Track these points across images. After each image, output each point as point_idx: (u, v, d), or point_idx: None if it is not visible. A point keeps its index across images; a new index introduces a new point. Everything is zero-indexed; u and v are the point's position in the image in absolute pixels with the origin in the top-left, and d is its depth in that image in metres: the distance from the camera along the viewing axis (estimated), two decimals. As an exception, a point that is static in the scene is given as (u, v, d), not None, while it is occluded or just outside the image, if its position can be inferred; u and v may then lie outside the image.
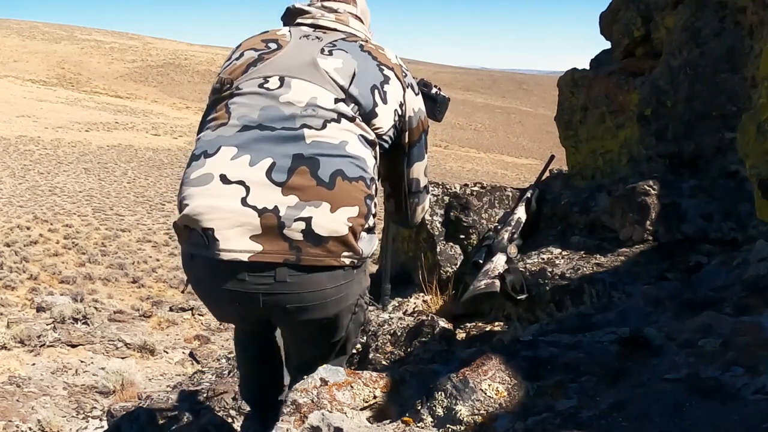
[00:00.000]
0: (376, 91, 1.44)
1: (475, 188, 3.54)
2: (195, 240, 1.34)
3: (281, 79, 1.40)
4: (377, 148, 1.46)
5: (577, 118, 3.76)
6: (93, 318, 7.72)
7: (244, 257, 1.28)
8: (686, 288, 1.97)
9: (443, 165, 58.00)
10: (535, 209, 3.25)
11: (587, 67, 3.89)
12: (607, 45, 3.82)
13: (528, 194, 3.27)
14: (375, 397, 1.70)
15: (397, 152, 1.58)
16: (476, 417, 1.18)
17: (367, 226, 1.37)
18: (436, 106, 1.91)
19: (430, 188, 3.28)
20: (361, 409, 1.64)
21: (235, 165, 1.31)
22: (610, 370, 1.24)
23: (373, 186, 1.40)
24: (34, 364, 5.88)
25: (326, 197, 1.29)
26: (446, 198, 3.51)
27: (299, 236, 1.27)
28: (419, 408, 1.33)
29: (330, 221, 1.28)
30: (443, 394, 1.27)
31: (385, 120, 1.47)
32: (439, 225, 3.45)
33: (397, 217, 1.77)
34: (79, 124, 53.25)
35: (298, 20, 1.60)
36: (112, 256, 17.01)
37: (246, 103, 1.39)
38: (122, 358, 6.40)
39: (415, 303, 3.18)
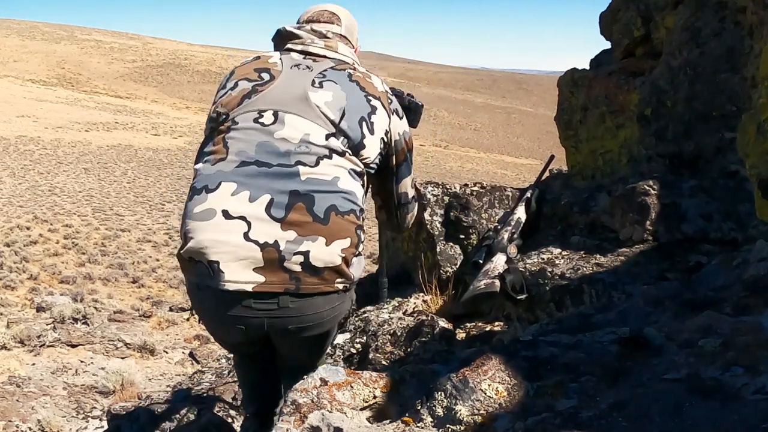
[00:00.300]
0: (364, 123, 1.54)
1: (475, 188, 3.54)
2: (200, 271, 1.43)
3: (275, 114, 1.49)
4: (365, 177, 1.57)
5: (577, 118, 3.76)
6: (93, 318, 7.72)
7: (249, 288, 1.39)
8: (686, 288, 1.97)
9: (443, 165, 58.01)
10: (535, 209, 3.25)
11: (587, 67, 3.89)
12: (607, 45, 3.82)
13: (528, 194, 3.27)
14: (375, 397, 1.70)
15: (386, 172, 1.70)
16: (476, 417, 1.18)
17: (357, 253, 1.49)
18: (410, 114, 1.95)
19: (431, 188, 3.31)
20: (361, 409, 1.64)
21: (235, 201, 1.40)
22: (610, 370, 1.24)
23: (362, 215, 1.52)
24: (34, 364, 5.88)
25: (322, 232, 1.40)
26: (446, 198, 3.50)
27: (298, 268, 1.39)
28: (419, 408, 1.33)
29: (325, 254, 1.40)
30: (443, 394, 1.27)
31: (372, 150, 1.57)
32: (439, 225, 3.45)
33: (389, 225, 1.90)
34: (79, 124, 53.26)
35: (289, 45, 1.67)
36: (112, 256, 17.02)
37: (243, 138, 1.47)
38: (122, 358, 6.40)
39: (415, 303, 3.18)
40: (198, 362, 6.36)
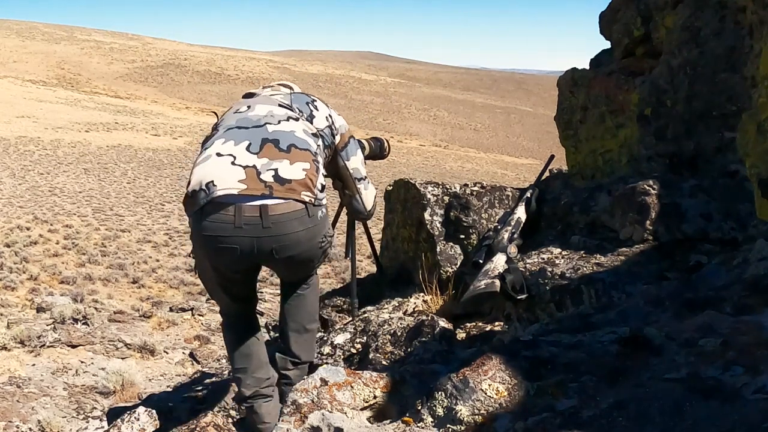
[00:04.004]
0: (310, 105, 2.22)
1: (475, 188, 3.53)
2: (200, 197, 1.90)
3: (248, 106, 2.17)
4: (320, 139, 2.15)
5: (576, 117, 3.76)
6: (93, 318, 7.71)
7: (235, 191, 1.86)
8: (686, 288, 1.97)
9: (443, 165, 57.98)
10: (535, 209, 3.25)
11: (587, 67, 3.89)
12: (607, 45, 3.81)
13: (528, 194, 3.27)
14: (375, 397, 1.70)
15: (335, 155, 2.27)
16: (476, 417, 1.18)
17: (318, 181, 1.96)
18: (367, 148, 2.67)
19: (431, 188, 3.33)
20: (362, 409, 1.64)
21: (224, 146, 1.98)
22: (610, 370, 1.24)
23: (319, 159, 2.04)
24: (34, 365, 5.88)
25: (286, 157, 1.94)
26: (446, 198, 3.50)
27: (271, 179, 1.88)
28: (419, 408, 1.33)
29: (290, 170, 1.91)
30: (443, 394, 1.27)
31: (321, 121, 2.20)
32: (439, 225, 3.45)
33: (352, 208, 2.41)
34: (78, 125, 53.23)
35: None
36: (112, 257, 17.01)
37: (226, 120, 2.14)
38: (122, 358, 6.40)
39: (415, 303, 3.18)
40: (198, 362, 6.36)
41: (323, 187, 2.02)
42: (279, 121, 2.05)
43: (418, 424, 1.29)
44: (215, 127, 2.15)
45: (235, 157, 1.92)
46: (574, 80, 3.77)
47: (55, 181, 29.94)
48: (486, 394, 1.22)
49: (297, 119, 2.10)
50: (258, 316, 2.32)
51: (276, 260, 1.98)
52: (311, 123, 2.14)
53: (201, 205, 1.88)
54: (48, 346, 6.38)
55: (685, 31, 3.04)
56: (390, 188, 3.94)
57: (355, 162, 2.30)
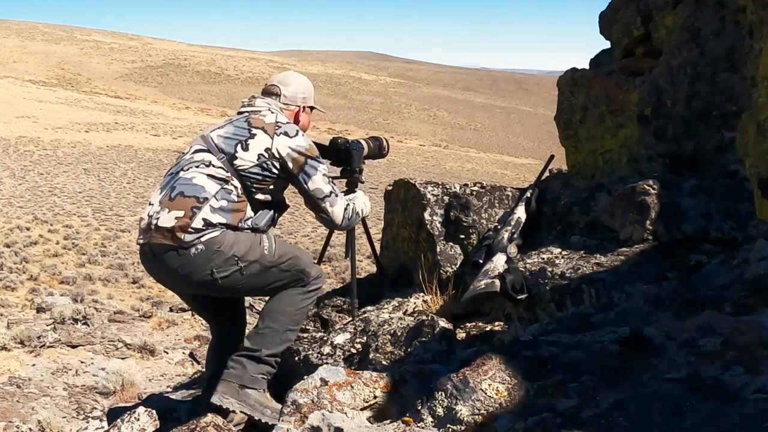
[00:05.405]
0: (239, 145, 2.36)
1: (475, 188, 3.53)
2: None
3: (190, 148, 2.47)
4: (236, 179, 2.33)
5: (576, 117, 3.76)
6: (93, 318, 7.71)
7: (140, 242, 2.34)
8: (686, 288, 1.97)
9: (443, 165, 57.97)
10: (535, 209, 3.25)
11: (587, 67, 3.89)
12: (607, 45, 3.81)
13: (528, 194, 3.27)
14: (375, 397, 1.70)
15: (293, 178, 2.40)
16: (476, 417, 1.18)
17: (195, 223, 2.22)
18: (341, 153, 2.77)
19: (431, 188, 3.33)
20: (362, 409, 1.64)
21: (154, 195, 2.37)
22: (610, 370, 1.24)
23: (210, 201, 2.26)
24: (34, 365, 5.88)
25: (168, 206, 2.26)
26: (446, 198, 3.50)
27: (153, 228, 2.26)
28: (419, 408, 1.33)
29: (165, 219, 2.24)
30: (443, 394, 1.27)
31: (250, 157, 2.34)
32: (439, 225, 3.45)
33: (326, 223, 2.53)
34: (78, 125, 53.22)
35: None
36: (112, 257, 17.02)
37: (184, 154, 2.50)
38: (122, 358, 6.40)
39: (415, 303, 3.18)
40: (198, 362, 6.35)
41: (209, 224, 2.26)
42: (189, 168, 2.35)
43: (418, 424, 1.29)
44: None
45: (151, 207, 2.34)
46: (574, 80, 3.77)
47: (55, 182, 29.94)
48: (486, 394, 1.22)
49: (208, 164, 2.34)
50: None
51: (185, 288, 2.46)
52: (231, 162, 2.33)
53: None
54: (48, 347, 6.38)
55: (685, 31, 3.04)
56: (390, 188, 3.94)
57: (315, 183, 2.40)
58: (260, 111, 2.48)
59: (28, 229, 19.63)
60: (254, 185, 2.37)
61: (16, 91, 72.03)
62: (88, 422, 4.58)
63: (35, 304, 10.06)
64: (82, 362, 6.05)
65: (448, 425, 1.23)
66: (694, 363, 1.19)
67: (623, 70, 3.50)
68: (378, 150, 2.89)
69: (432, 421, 1.27)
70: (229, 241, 2.26)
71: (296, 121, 2.57)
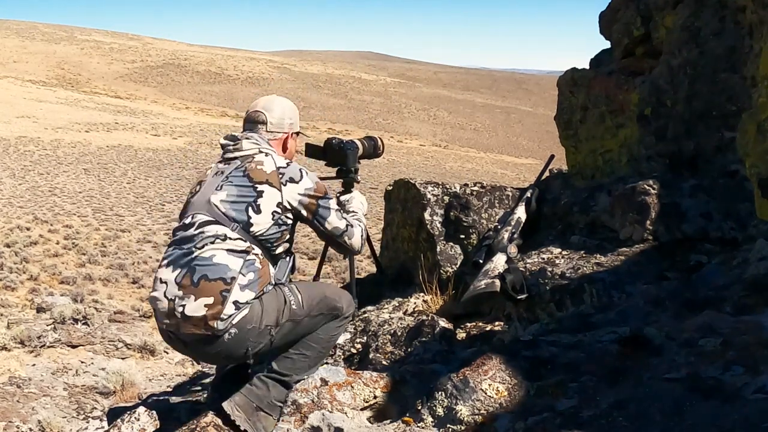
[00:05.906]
0: (250, 208, 2.23)
1: (475, 188, 3.54)
2: (156, 316, 2.28)
3: (192, 216, 2.29)
4: (255, 247, 2.21)
5: (576, 117, 3.76)
6: (93, 318, 7.71)
7: (163, 325, 2.20)
8: (686, 288, 1.97)
9: (443, 165, 57.97)
10: (535, 209, 3.25)
11: (587, 67, 3.89)
12: (607, 45, 3.81)
13: (528, 194, 3.27)
14: (375, 397, 1.70)
15: (309, 222, 2.34)
16: (476, 417, 1.18)
17: (226, 309, 2.11)
18: (339, 153, 2.71)
19: (431, 188, 3.32)
20: (362, 409, 1.64)
21: (165, 272, 2.21)
22: (610, 370, 1.24)
23: (237, 281, 2.14)
24: (34, 365, 5.88)
25: (193, 293, 2.13)
26: (446, 198, 3.50)
27: (179, 316, 2.14)
28: (419, 408, 1.33)
29: (193, 307, 2.12)
30: (443, 394, 1.27)
31: (262, 224, 2.22)
32: (439, 225, 3.45)
33: (343, 252, 2.50)
34: (78, 125, 53.22)
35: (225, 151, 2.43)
36: (112, 257, 17.01)
37: (177, 232, 2.33)
38: (122, 358, 6.40)
39: (415, 303, 3.18)
40: (198, 362, 6.35)
41: (239, 305, 2.16)
42: (204, 245, 2.20)
43: (418, 424, 1.29)
44: (179, 221, 2.38)
45: (167, 286, 2.19)
46: (574, 80, 3.77)
47: (55, 182, 29.94)
48: (486, 393, 1.22)
49: (224, 238, 2.20)
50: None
51: (214, 362, 2.52)
52: (248, 231, 2.22)
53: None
54: (48, 347, 6.38)
55: (685, 31, 3.04)
56: (390, 188, 3.95)
57: (331, 223, 2.34)
58: (253, 157, 2.33)
59: (28, 229, 19.63)
60: (274, 244, 2.28)
61: (16, 91, 72.04)
62: (88, 422, 4.58)
63: (35, 304, 10.06)
64: (82, 362, 6.05)
65: (448, 425, 1.23)
66: (694, 363, 1.19)
67: (623, 70, 3.50)
68: (373, 149, 2.89)
69: (432, 421, 1.28)
70: (258, 314, 2.17)
71: (284, 148, 2.46)
